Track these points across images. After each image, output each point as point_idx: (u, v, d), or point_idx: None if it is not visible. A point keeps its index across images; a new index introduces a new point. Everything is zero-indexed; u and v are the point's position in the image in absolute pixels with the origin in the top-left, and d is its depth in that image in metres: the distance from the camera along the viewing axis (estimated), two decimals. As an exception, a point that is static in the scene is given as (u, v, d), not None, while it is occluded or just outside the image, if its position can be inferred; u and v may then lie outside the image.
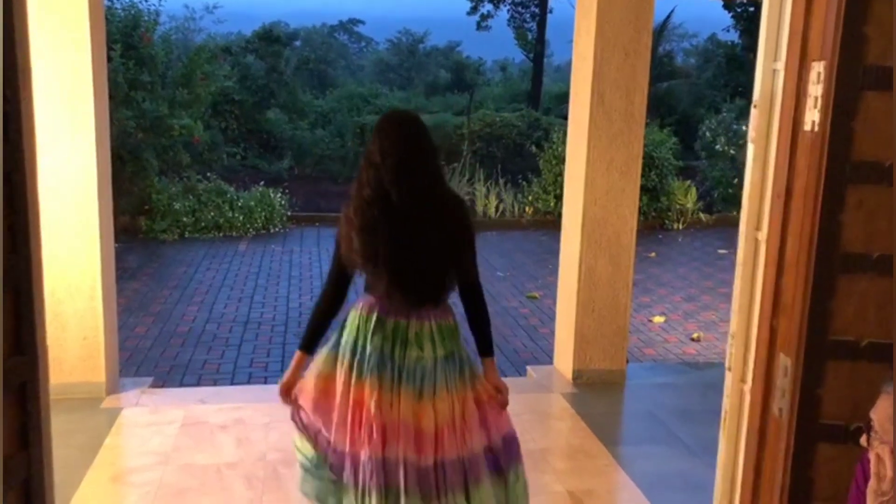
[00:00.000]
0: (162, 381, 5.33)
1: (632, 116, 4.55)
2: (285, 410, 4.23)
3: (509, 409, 2.85)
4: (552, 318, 7.16)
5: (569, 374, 4.87)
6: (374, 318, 2.64)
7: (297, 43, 22.42)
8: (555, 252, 10.32)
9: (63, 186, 4.32)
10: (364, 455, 2.56)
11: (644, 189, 4.80)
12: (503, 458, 2.72)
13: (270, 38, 16.98)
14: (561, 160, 12.01)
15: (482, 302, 2.78)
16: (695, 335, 6.69)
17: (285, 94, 16.84)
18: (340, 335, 2.71)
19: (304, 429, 2.79)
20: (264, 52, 16.82)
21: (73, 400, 4.37)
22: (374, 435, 2.55)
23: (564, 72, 34.61)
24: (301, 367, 2.80)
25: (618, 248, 4.72)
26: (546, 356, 6.05)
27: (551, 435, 4.28)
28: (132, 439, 4.07)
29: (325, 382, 2.71)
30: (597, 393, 4.70)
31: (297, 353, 2.81)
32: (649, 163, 11.11)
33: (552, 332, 6.65)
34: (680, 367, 5.58)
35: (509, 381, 5.12)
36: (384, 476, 2.56)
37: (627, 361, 5.03)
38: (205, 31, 17.76)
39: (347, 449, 2.62)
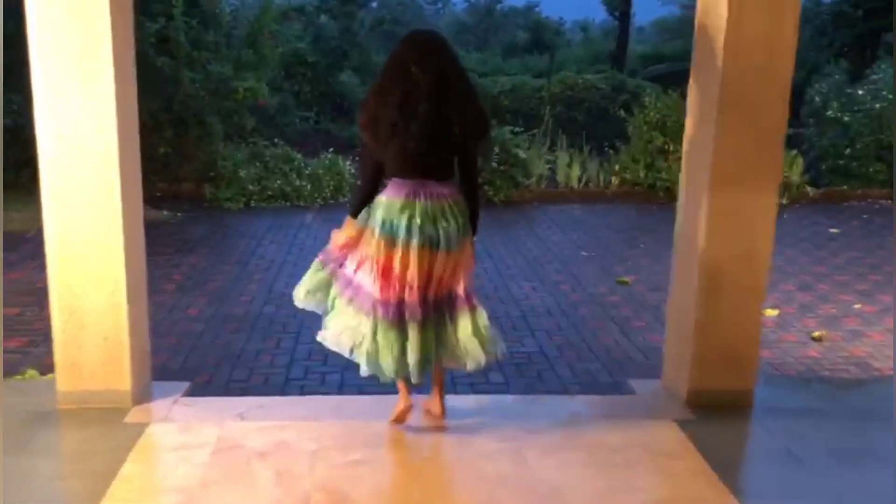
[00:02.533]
0: (209, 376, 4.73)
1: (776, 73, 3.60)
2: (335, 433, 3.59)
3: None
4: (645, 307, 6.28)
5: (683, 394, 3.98)
6: (400, 201, 3.40)
7: (373, 3, 21.72)
8: (645, 229, 9.44)
9: (78, 156, 3.59)
10: (407, 298, 3.41)
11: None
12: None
13: (345, -2, 16.29)
14: (653, 127, 10.99)
15: (476, 195, 3.61)
16: (815, 334, 5.73)
17: (359, 55, 16.18)
18: (371, 215, 3.51)
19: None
20: (338, 11, 16.19)
21: (92, 411, 3.73)
22: (408, 287, 3.41)
23: (648, 33, 33.14)
24: (351, 228, 3.60)
25: (751, 244, 3.76)
26: (642, 355, 5.20)
27: (668, 481, 3.37)
28: (154, 468, 3.39)
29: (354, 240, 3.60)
30: (719, 421, 3.79)
31: (349, 218, 3.61)
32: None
33: (647, 326, 5.77)
34: (819, 387, 4.55)
35: (607, 399, 4.33)
36: (419, 312, 3.43)
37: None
38: (278, -11, 17.16)
39: (379, 296, 3.44)
